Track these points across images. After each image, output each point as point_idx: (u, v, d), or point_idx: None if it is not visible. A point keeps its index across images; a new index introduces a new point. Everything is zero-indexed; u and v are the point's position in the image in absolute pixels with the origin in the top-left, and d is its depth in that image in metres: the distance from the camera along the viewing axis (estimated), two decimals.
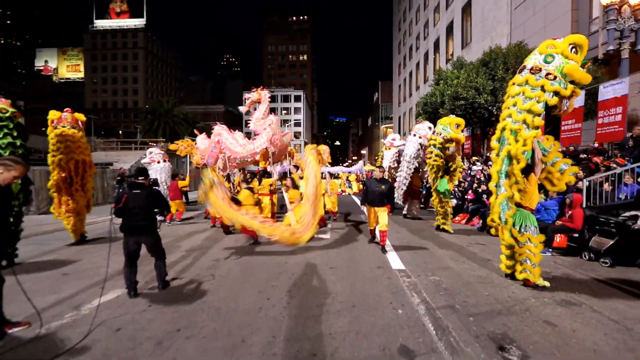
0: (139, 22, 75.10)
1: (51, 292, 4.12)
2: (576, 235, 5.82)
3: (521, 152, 4.10)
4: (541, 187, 4.90)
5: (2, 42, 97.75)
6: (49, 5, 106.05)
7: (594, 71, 9.86)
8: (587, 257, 5.52)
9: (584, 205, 6.48)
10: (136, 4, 74.81)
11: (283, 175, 8.20)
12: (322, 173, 10.19)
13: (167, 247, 4.62)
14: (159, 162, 10.73)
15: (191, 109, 59.91)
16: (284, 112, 72.57)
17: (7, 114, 5.34)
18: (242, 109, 7.15)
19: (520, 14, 16.49)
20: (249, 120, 6.71)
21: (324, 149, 10.44)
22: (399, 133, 35.75)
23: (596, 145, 9.18)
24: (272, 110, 7.03)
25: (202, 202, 6.02)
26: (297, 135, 68.17)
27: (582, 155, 8.56)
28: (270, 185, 8.77)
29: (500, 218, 4.48)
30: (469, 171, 12.58)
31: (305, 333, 3.08)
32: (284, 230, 5.30)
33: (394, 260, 5.57)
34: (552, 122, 10.84)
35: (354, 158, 66.95)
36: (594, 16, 12.29)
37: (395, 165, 11.50)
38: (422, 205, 12.10)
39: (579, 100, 8.86)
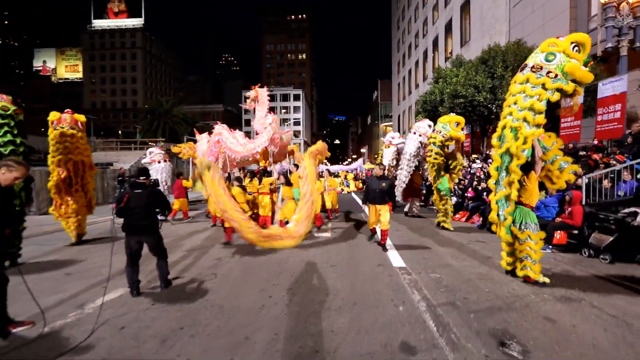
0: (137, 22, 74.92)
1: (54, 292, 4.14)
2: (576, 232, 5.85)
3: (520, 150, 4.12)
4: (542, 186, 4.91)
5: (0, 42, 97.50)
6: (47, 6, 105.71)
7: (593, 68, 9.87)
8: (586, 253, 5.55)
9: (584, 202, 6.51)
10: (134, 3, 74.65)
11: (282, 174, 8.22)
12: (321, 171, 10.23)
13: (169, 247, 4.64)
14: (159, 162, 10.76)
15: (190, 109, 59.86)
16: (283, 111, 72.51)
17: (9, 112, 5.36)
18: (244, 106, 7.15)
19: (519, 12, 16.49)
20: (249, 119, 6.72)
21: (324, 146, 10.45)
22: (399, 131, 35.77)
23: (595, 142, 9.20)
24: (272, 109, 7.04)
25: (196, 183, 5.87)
26: (296, 134, 68.08)
27: (582, 153, 8.58)
28: (271, 184, 8.78)
29: (498, 215, 4.52)
30: (469, 169, 12.61)
31: (307, 330, 3.10)
32: (265, 234, 5.20)
33: (395, 258, 5.59)
34: (551, 119, 10.83)
35: (353, 156, 66.92)
36: (593, 13, 12.30)
37: (395, 163, 11.52)
38: (422, 203, 12.13)
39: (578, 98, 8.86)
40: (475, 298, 3.82)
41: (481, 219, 8.52)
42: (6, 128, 5.31)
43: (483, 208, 8.48)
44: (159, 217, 4.26)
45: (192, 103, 75.80)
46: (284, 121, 64.25)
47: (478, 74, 13.57)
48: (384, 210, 6.14)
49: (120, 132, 58.61)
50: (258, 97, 6.75)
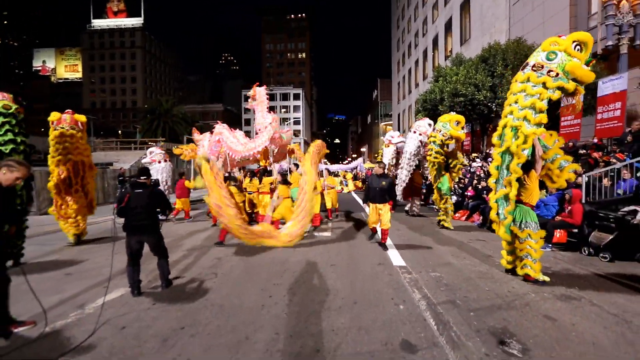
0: (136, 22, 74.81)
1: (55, 292, 4.15)
2: (576, 230, 5.86)
3: (521, 149, 4.12)
4: (542, 184, 4.90)
5: (0, 42, 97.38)
6: (46, 6, 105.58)
7: (593, 67, 9.86)
8: (586, 252, 5.56)
9: (584, 201, 6.51)
10: (133, 3, 74.51)
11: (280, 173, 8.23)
12: (320, 170, 10.22)
13: (169, 246, 4.65)
14: (159, 162, 10.76)
15: (190, 109, 59.88)
16: (283, 110, 72.50)
17: (11, 110, 5.36)
18: (247, 106, 7.17)
19: (518, 10, 16.46)
20: (249, 119, 6.74)
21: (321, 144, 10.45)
22: (399, 130, 35.77)
23: (595, 140, 9.20)
24: (271, 109, 7.04)
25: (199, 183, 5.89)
26: (296, 133, 68.07)
27: (582, 151, 8.59)
28: (271, 183, 8.78)
29: (497, 214, 4.53)
30: (469, 168, 12.61)
31: (308, 329, 3.11)
32: (258, 234, 5.24)
33: (395, 257, 5.60)
34: (551, 117, 10.85)
35: (353, 156, 66.91)
36: (593, 11, 12.28)
37: (394, 162, 11.51)
38: (422, 202, 12.13)
39: None
40: (476, 296, 3.83)
41: (481, 217, 8.52)
42: (7, 127, 5.31)
43: (483, 207, 8.49)
44: (160, 217, 4.27)
45: (192, 103, 75.81)
46: (283, 120, 64.24)
47: (478, 73, 13.56)
48: (385, 210, 6.10)
49: (120, 131, 58.58)
50: (256, 97, 6.74)
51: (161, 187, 9.78)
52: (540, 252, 4.30)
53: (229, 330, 3.12)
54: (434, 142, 8.26)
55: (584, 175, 6.88)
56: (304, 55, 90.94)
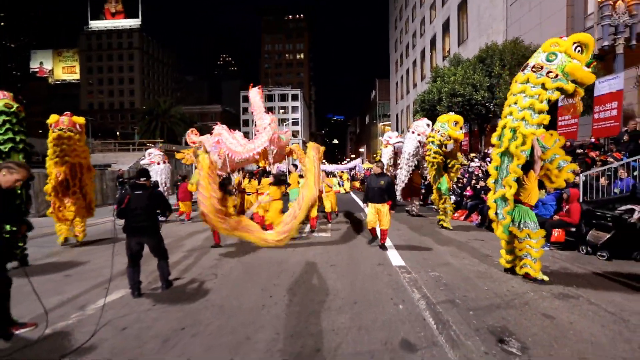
0: (134, 23, 74.69)
1: (55, 294, 4.15)
2: (573, 229, 5.89)
3: (520, 150, 4.14)
4: (542, 184, 4.92)
5: None
6: (43, 7, 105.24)
7: (593, 67, 9.92)
8: (584, 251, 5.60)
9: (581, 200, 6.56)
10: (131, 4, 74.46)
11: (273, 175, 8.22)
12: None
13: (169, 247, 4.65)
14: (158, 163, 10.75)
15: (188, 109, 59.74)
16: (281, 111, 72.49)
17: (12, 109, 5.37)
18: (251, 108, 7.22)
19: (515, 11, 16.54)
20: (247, 119, 6.76)
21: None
22: (397, 130, 35.80)
23: (592, 140, 9.26)
24: (270, 109, 7.06)
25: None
26: (294, 134, 68.12)
27: (579, 151, 8.64)
28: (270, 184, 8.80)
29: (496, 214, 4.55)
30: (468, 167, 12.65)
31: (308, 329, 3.13)
32: (235, 226, 5.34)
33: (394, 257, 5.62)
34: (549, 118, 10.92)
35: (352, 156, 67.02)
36: (589, 12, 12.35)
37: (392, 162, 11.53)
38: (421, 202, 12.16)
39: None
40: (475, 296, 3.86)
41: (480, 217, 8.56)
42: (8, 125, 5.31)
43: (481, 206, 8.52)
44: (160, 218, 4.28)
45: (190, 103, 75.68)
46: (282, 121, 64.23)
47: (476, 73, 13.62)
48: (384, 210, 6.02)
49: (118, 133, 58.45)
50: (249, 99, 6.82)
51: (160, 189, 9.80)
52: (541, 251, 4.32)
53: (230, 331, 3.13)
54: (433, 142, 8.29)
55: (581, 175, 6.92)
56: (302, 55, 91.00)
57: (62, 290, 4.32)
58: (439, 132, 8.13)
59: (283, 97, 74.54)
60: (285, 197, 7.87)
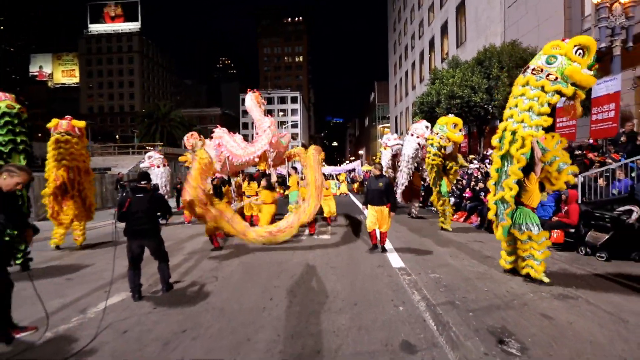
0: (133, 26, 74.91)
1: (56, 297, 4.15)
2: (572, 230, 5.91)
3: (520, 153, 4.15)
4: (542, 187, 4.90)
5: None
6: (43, 9, 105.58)
7: (595, 70, 9.98)
8: (583, 251, 5.62)
9: (580, 201, 6.58)
10: (131, 8, 74.63)
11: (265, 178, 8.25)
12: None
13: (170, 250, 4.67)
14: (158, 166, 10.77)
15: (187, 112, 59.86)
16: (280, 113, 72.65)
17: (15, 110, 5.39)
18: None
19: (513, 13, 16.64)
20: (247, 122, 6.82)
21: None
22: (396, 132, 35.85)
23: (591, 141, 9.30)
24: (269, 112, 7.10)
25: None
26: (294, 136, 68.26)
27: (577, 152, 8.68)
28: None
29: (496, 215, 4.57)
30: (467, 170, 12.69)
31: (308, 330, 3.14)
32: (217, 214, 5.59)
33: (394, 258, 5.64)
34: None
35: (351, 158, 67.07)
36: (587, 14, 12.44)
37: (390, 164, 11.53)
38: (420, 204, 12.18)
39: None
40: (474, 297, 3.87)
41: (479, 218, 8.58)
42: (10, 127, 5.34)
43: (481, 208, 8.55)
44: (160, 221, 4.30)
45: (189, 107, 75.81)
46: (281, 124, 64.35)
47: (474, 75, 13.69)
48: (384, 213, 5.92)
49: (117, 136, 58.49)
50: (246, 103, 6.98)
51: (160, 192, 9.82)
52: (546, 253, 4.29)
53: (230, 332, 3.14)
54: (432, 144, 8.33)
55: (579, 176, 6.95)
56: (301, 58, 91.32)
57: (63, 293, 4.33)
58: (438, 134, 8.17)
59: (282, 100, 74.71)
60: (285, 200, 7.89)
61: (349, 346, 2.85)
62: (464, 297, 3.86)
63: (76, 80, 78.59)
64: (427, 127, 9.52)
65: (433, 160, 8.29)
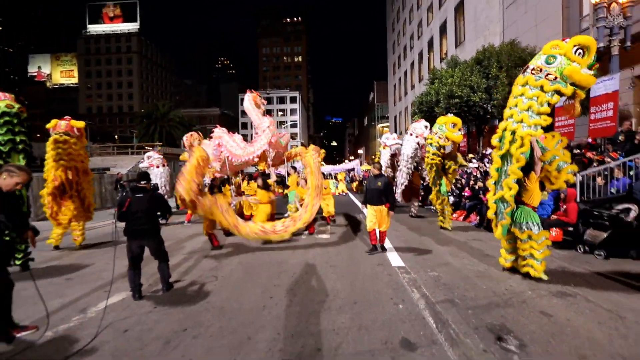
0: (132, 27, 74.82)
1: (56, 297, 4.16)
2: (571, 229, 5.94)
3: (519, 152, 4.16)
4: (543, 186, 4.91)
5: None
6: (41, 11, 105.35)
7: (595, 70, 10.01)
8: (582, 250, 5.64)
9: (578, 200, 6.61)
10: (129, 8, 74.54)
11: (261, 177, 8.26)
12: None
13: (170, 250, 4.68)
14: (157, 166, 10.76)
15: (187, 113, 59.79)
16: (280, 113, 72.63)
17: (14, 110, 5.39)
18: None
19: (512, 13, 16.68)
20: (246, 122, 6.85)
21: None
22: (395, 132, 35.91)
23: (589, 140, 9.33)
24: (268, 112, 7.11)
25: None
26: (293, 136, 68.24)
27: (576, 151, 8.71)
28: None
29: (495, 214, 4.59)
30: (466, 169, 12.71)
31: (309, 329, 3.15)
32: (209, 204, 5.60)
33: (394, 257, 5.65)
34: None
35: (350, 158, 67.11)
36: (585, 13, 12.47)
37: (389, 164, 11.55)
38: (420, 203, 12.20)
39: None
40: (474, 295, 3.89)
41: (478, 217, 8.61)
42: (9, 126, 5.34)
43: (480, 207, 8.57)
44: (160, 221, 4.31)
45: (188, 107, 75.74)
46: (280, 124, 64.34)
47: (473, 75, 13.71)
48: (383, 212, 5.85)
49: (116, 136, 58.43)
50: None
51: (160, 192, 9.82)
52: (546, 252, 4.29)
53: (231, 332, 3.15)
54: (431, 144, 8.35)
55: (578, 175, 6.97)
56: (300, 58, 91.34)
57: (63, 293, 4.34)
58: (437, 134, 8.19)
59: (281, 100, 74.70)
60: (284, 199, 7.90)
61: (349, 345, 2.87)
62: (463, 295, 3.88)
63: (75, 80, 78.44)
64: (426, 126, 9.54)
65: (432, 159, 8.31)
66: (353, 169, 24.93)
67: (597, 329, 3.00)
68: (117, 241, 4.15)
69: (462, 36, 22.42)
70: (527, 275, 4.36)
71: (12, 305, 3.11)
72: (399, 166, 10.62)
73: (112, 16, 75.23)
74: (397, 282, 4.41)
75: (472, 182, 10.30)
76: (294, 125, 71.96)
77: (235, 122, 70.38)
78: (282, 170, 10.47)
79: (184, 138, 9.97)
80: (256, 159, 6.48)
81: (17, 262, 5.25)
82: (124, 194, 4.15)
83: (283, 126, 62.89)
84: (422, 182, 11.45)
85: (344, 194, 20.88)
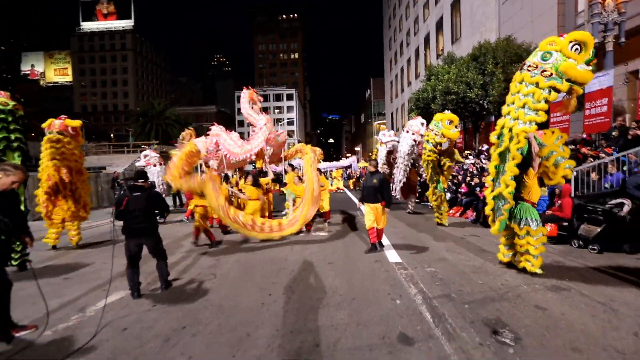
0: (126, 24, 74.04)
1: (54, 296, 4.16)
2: (566, 224, 6.01)
3: (515, 149, 4.19)
4: (542, 182, 4.94)
5: None
6: (34, 9, 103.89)
7: (593, 65, 10.06)
8: (576, 244, 5.72)
9: (573, 195, 6.68)
10: (123, 5, 73.71)
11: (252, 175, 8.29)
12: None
13: (168, 248, 4.68)
14: (154, 165, 10.72)
15: (183, 110, 59.53)
16: (276, 110, 72.41)
17: (9, 107, 5.33)
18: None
19: (508, 9, 16.70)
20: (242, 120, 6.88)
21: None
22: (392, 129, 35.99)
23: (584, 136, 9.41)
24: (265, 110, 7.11)
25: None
26: (290, 134, 68.05)
27: (571, 146, 8.77)
28: (266, 184, 8.83)
29: (493, 210, 4.63)
30: (463, 165, 12.78)
31: (307, 326, 3.18)
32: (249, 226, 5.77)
33: (391, 253, 5.70)
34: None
35: (347, 155, 67.16)
36: (580, 9, 12.53)
37: (385, 161, 11.58)
38: (417, 200, 12.26)
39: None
40: (470, 290, 3.94)
41: (474, 213, 8.67)
42: (3, 124, 5.28)
43: (476, 203, 8.64)
44: (158, 219, 4.31)
45: (184, 104, 75.38)
46: (277, 121, 64.14)
47: (469, 71, 13.75)
48: (378, 210, 5.76)
49: (112, 135, 58.03)
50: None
51: (157, 190, 9.78)
52: (542, 248, 4.35)
53: (230, 329, 3.17)
54: (428, 140, 8.38)
55: (572, 170, 7.04)
56: (296, 55, 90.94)
57: (61, 293, 4.33)
58: (433, 130, 8.22)
59: (278, 97, 74.47)
60: (281, 197, 7.91)
61: (347, 340, 2.90)
62: (459, 290, 3.93)
63: (69, 78, 77.62)
64: (422, 123, 9.58)
65: (429, 156, 8.34)
66: (350, 166, 24.88)
67: (591, 322, 3.05)
68: (116, 240, 4.15)
69: (458, 32, 22.44)
70: (522, 270, 4.42)
71: (10, 305, 3.11)
72: (396, 163, 10.66)
73: (106, 13, 74.37)
74: (394, 278, 4.45)
75: (468, 179, 10.36)
76: (290, 123, 71.73)
77: (231, 120, 70.07)
78: (280, 167, 10.48)
79: (181, 137, 9.97)
80: (253, 157, 6.48)
81: (14, 263, 5.23)
82: (122, 192, 4.14)
83: (280, 123, 62.71)
84: (419, 178, 11.51)
85: (341, 191, 20.92)
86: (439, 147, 8.40)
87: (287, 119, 70.92)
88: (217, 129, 6.37)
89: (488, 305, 3.47)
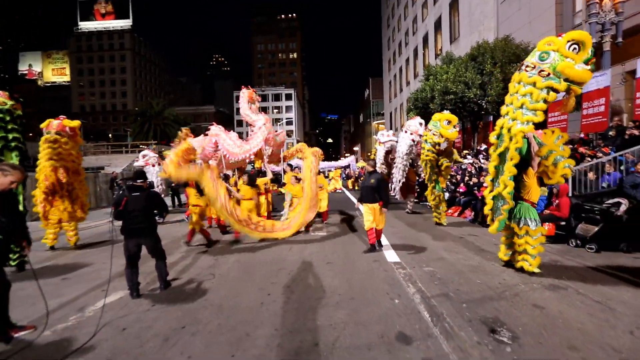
0: (124, 23, 73.80)
1: (53, 297, 4.15)
2: (563, 223, 6.03)
3: (513, 149, 4.21)
4: (542, 182, 4.95)
5: None
6: (31, 8, 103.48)
7: (592, 65, 10.10)
8: (574, 244, 5.74)
9: (570, 194, 6.71)
10: (121, 5, 73.49)
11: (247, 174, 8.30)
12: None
13: (167, 248, 4.69)
14: (153, 165, 10.71)
15: (181, 111, 59.40)
16: (275, 110, 72.34)
17: (7, 106, 5.31)
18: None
19: (506, 8, 16.75)
20: (241, 120, 6.91)
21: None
22: (391, 128, 36.04)
23: (582, 135, 9.45)
24: (264, 109, 7.12)
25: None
26: (289, 133, 68.05)
27: (569, 146, 8.81)
28: (265, 184, 8.84)
29: (492, 210, 4.65)
30: (461, 165, 12.81)
31: (306, 325, 3.19)
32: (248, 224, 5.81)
33: (389, 253, 5.71)
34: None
35: (346, 155, 67.16)
36: (577, 9, 12.57)
37: (384, 160, 11.60)
38: (416, 200, 12.28)
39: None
40: (468, 289, 3.96)
41: (473, 213, 8.70)
42: (1, 124, 5.27)
43: (474, 203, 8.66)
44: (157, 219, 4.31)
45: (183, 104, 75.20)
46: (276, 121, 64.10)
47: (468, 71, 13.79)
48: (376, 210, 5.71)
49: (110, 135, 57.90)
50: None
51: (156, 190, 9.77)
52: (540, 248, 4.37)
53: (229, 328, 3.18)
54: (426, 140, 8.41)
55: (572, 169, 7.07)
56: (295, 55, 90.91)
57: (60, 293, 4.33)
58: (431, 130, 8.24)
59: (277, 97, 74.40)
60: (280, 197, 7.91)
61: (346, 339, 2.91)
62: (457, 289, 3.95)
63: (67, 78, 77.35)
64: (420, 123, 9.60)
65: (427, 156, 8.36)
66: (348, 166, 24.89)
67: (588, 320, 3.07)
68: (115, 240, 4.16)
69: (456, 32, 22.48)
70: (520, 269, 4.44)
71: (9, 306, 3.11)
72: (394, 163, 10.68)
73: (104, 13, 74.10)
74: (393, 278, 4.47)
75: (466, 178, 10.39)
76: (289, 123, 71.70)
77: (230, 120, 70.00)
78: (278, 167, 10.48)
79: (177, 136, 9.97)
80: (252, 157, 6.48)
81: (13, 263, 5.22)
82: (121, 192, 4.14)
83: (279, 123, 62.67)
84: (417, 178, 11.53)
85: (339, 190, 20.92)
86: (437, 147, 8.42)
87: (286, 118, 70.89)
88: (216, 129, 6.36)
89: (486, 304, 3.49)
